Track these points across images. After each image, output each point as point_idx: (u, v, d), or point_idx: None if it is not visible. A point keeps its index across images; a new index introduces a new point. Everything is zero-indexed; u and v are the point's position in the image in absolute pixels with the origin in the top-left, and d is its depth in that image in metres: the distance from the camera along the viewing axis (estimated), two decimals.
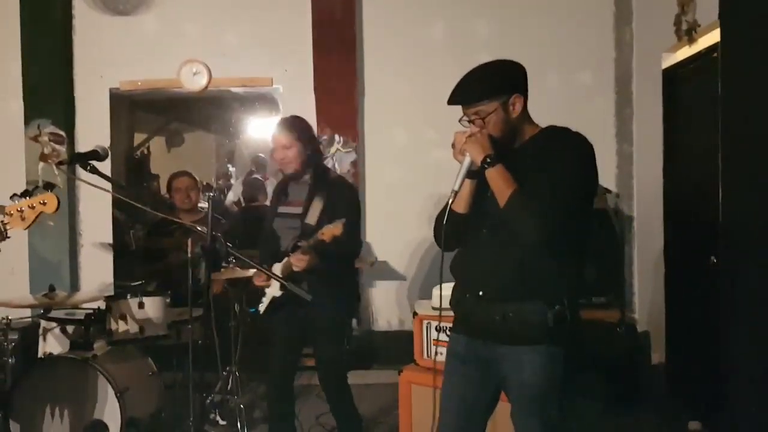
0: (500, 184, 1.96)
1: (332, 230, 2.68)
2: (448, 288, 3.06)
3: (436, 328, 3.09)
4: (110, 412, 3.21)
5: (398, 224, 4.88)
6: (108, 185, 2.28)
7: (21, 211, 2.28)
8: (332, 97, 4.89)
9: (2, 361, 3.59)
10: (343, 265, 3.03)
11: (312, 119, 4.87)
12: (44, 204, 2.29)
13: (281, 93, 4.99)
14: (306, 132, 3.02)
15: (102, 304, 3.74)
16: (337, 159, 4.88)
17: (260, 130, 5.55)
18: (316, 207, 2.91)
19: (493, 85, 2.05)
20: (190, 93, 4.99)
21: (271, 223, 3.08)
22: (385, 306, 4.92)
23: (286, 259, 2.88)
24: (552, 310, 1.98)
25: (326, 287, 2.87)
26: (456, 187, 2.01)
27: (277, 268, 2.88)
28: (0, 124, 4.77)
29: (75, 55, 4.97)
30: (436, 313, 3.08)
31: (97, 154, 2.31)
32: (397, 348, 4.42)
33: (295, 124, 3.02)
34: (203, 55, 4.90)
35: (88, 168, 2.24)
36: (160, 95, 5.17)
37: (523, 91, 2.08)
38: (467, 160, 1.99)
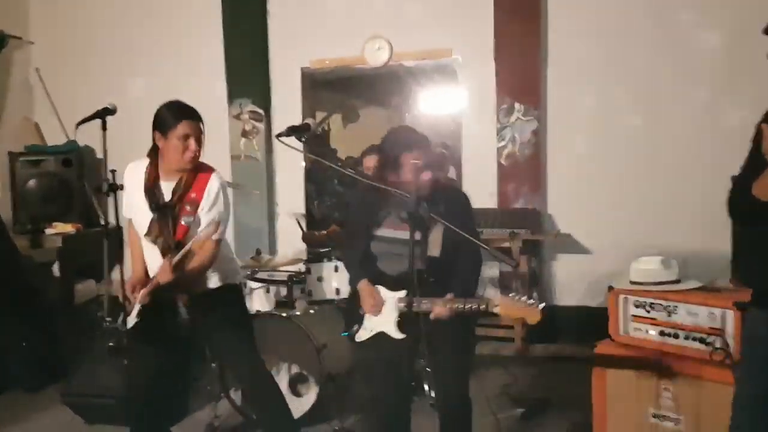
0: None
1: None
2: (647, 262, 2.92)
3: (635, 304, 2.92)
4: (310, 366, 3.46)
5: (583, 195, 4.67)
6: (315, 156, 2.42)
7: None
8: (513, 63, 4.76)
9: None
10: None
11: (491, 87, 4.84)
12: None
13: (460, 63, 4.97)
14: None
15: (299, 267, 4.04)
16: (517, 128, 4.77)
17: (434, 103, 5.59)
18: (437, 235, 2.46)
19: None
20: (366, 70, 5.12)
21: (368, 245, 2.59)
22: (569, 280, 4.75)
23: (419, 304, 2.41)
24: None
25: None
26: None
27: (395, 303, 2.52)
28: (207, 104, 5.16)
29: (270, 37, 5.32)
30: (635, 288, 2.95)
31: (308, 127, 2.48)
32: (582, 323, 4.28)
33: (427, 138, 2.57)
34: (385, 31, 5.02)
35: (303, 139, 2.41)
36: (337, 74, 5.36)
37: None
38: None
